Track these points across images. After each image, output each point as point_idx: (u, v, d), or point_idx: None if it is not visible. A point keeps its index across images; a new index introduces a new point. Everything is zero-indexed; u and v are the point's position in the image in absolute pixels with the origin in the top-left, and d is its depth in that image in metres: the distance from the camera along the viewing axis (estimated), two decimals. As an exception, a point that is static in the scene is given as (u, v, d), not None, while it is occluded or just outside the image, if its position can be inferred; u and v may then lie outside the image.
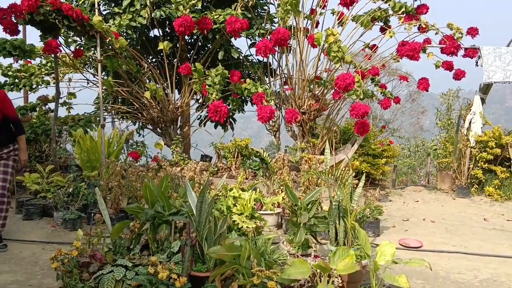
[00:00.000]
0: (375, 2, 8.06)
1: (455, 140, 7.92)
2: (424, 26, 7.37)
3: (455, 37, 7.22)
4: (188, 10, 6.67)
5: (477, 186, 7.74)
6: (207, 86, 6.71)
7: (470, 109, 7.82)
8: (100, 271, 3.16)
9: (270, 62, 8.81)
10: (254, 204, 4.84)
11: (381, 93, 9.00)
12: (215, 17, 7.28)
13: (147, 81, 7.97)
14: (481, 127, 7.77)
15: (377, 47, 8.41)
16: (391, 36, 7.15)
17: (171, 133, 8.42)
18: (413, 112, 31.27)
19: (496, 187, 7.49)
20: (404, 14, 7.90)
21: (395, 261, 3.25)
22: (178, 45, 8.03)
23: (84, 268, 3.27)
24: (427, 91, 7.46)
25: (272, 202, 5.15)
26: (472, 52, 7.46)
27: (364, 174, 4.70)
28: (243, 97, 8.17)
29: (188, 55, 9.09)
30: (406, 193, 8.17)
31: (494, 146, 7.51)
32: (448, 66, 7.37)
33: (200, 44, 8.67)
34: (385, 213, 5.78)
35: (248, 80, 7.02)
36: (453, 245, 4.96)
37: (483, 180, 7.73)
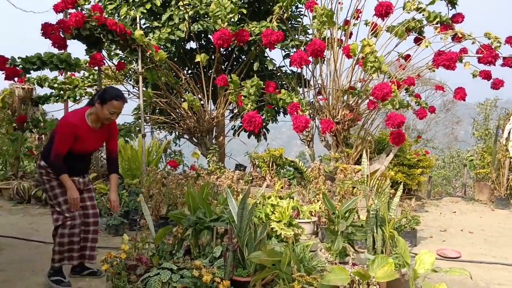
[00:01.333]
0: (409, 13, 8.06)
1: (494, 151, 7.79)
2: (460, 35, 7.33)
3: (493, 46, 7.14)
4: (226, 23, 6.86)
5: (516, 197, 7.60)
6: (242, 97, 6.87)
7: (509, 119, 7.69)
8: (146, 274, 3.32)
9: (303, 73, 8.92)
10: (292, 212, 4.94)
11: (415, 103, 8.96)
12: (251, 29, 7.46)
13: (184, 92, 8.20)
14: (521, 137, 7.63)
15: (411, 57, 8.40)
16: (426, 46, 7.14)
17: (206, 143, 8.61)
18: (447, 122, 30.64)
19: (538, 198, 7.34)
20: (439, 24, 7.87)
21: (435, 270, 3.27)
22: (214, 57, 8.25)
23: (131, 271, 3.43)
24: (464, 100, 7.38)
25: (309, 210, 5.22)
26: (511, 61, 7.35)
27: (401, 184, 4.72)
28: (276, 108, 8.29)
29: (223, 67, 9.32)
30: (442, 204, 8.07)
31: (535, 156, 7.37)
32: (486, 75, 7.28)
33: (235, 55, 8.88)
34: (421, 223, 5.75)
35: (283, 91, 7.14)
36: (492, 256, 4.90)
37: (524, 191, 7.59)
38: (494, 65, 6.96)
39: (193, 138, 8.85)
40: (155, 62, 7.20)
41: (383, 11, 6.43)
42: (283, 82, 9.33)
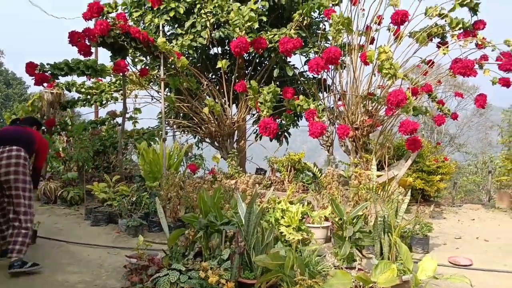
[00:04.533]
0: (431, 19, 8.04)
1: (515, 158, 7.72)
2: (480, 42, 7.28)
3: (513, 54, 7.07)
4: (244, 32, 7.04)
5: (537, 206, 7.49)
6: (259, 104, 7.03)
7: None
8: (157, 274, 3.51)
9: (324, 78, 9.01)
10: (303, 217, 5.05)
11: (438, 109, 8.90)
12: (270, 36, 7.62)
13: (206, 97, 8.42)
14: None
15: (433, 62, 8.37)
16: (444, 53, 7.13)
17: (227, 147, 8.80)
18: (480, 127, 29.97)
19: (559, 207, 7.21)
20: (461, 30, 7.83)
21: (436, 276, 3.34)
22: (236, 63, 8.44)
23: (143, 271, 3.63)
24: (483, 108, 7.33)
25: (319, 215, 5.32)
26: (531, 69, 7.25)
27: (410, 190, 4.78)
28: (297, 113, 8.40)
29: (246, 71, 9.51)
30: (462, 211, 8.01)
31: (556, 165, 7.25)
32: (505, 82, 7.20)
33: (257, 61, 9.04)
34: (437, 230, 5.77)
35: (301, 97, 7.25)
36: (504, 265, 4.89)
37: (544, 200, 7.47)
38: (513, 72, 6.90)
39: (215, 142, 9.05)
40: (177, 68, 7.44)
41: (399, 19, 6.49)
42: (304, 88, 9.44)
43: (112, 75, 8.51)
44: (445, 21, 8.01)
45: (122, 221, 5.76)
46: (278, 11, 8.92)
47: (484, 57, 7.51)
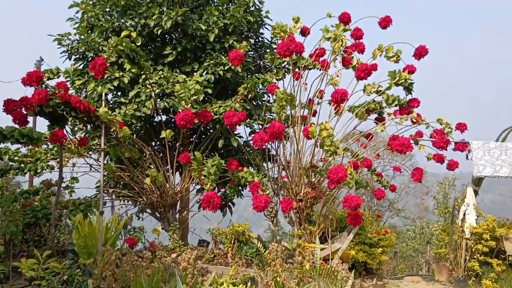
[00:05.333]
0: (369, 95, 8.47)
1: (451, 231, 7.96)
2: (414, 120, 7.71)
3: (445, 132, 7.52)
4: (189, 105, 7.07)
5: (474, 279, 7.65)
6: (202, 176, 6.94)
7: (463, 201, 7.93)
8: None
9: (269, 148, 9.10)
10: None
11: (376, 181, 9.18)
12: (215, 109, 7.69)
13: (148, 166, 8.22)
14: (476, 219, 7.83)
15: (372, 136, 8.72)
16: (382, 130, 7.47)
17: (169, 218, 8.52)
18: (417, 193, 31.04)
19: (493, 280, 7.40)
20: (397, 107, 8.27)
21: None
22: (181, 132, 8.38)
23: None
24: (420, 182, 7.63)
25: (263, 297, 5.15)
26: (462, 146, 7.72)
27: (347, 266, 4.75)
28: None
29: (191, 140, 9.47)
30: (403, 284, 8.06)
31: (489, 238, 7.53)
32: (439, 159, 7.60)
33: (202, 130, 9.04)
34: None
35: (245, 169, 7.25)
36: None
37: (480, 273, 7.66)
38: (446, 150, 7.30)
39: (156, 212, 8.75)
40: (118, 138, 7.27)
41: (339, 98, 6.77)
42: (249, 158, 9.48)
43: (49, 142, 8.16)
44: (382, 97, 8.47)
45: (50, 304, 5.29)
46: (223, 84, 9.09)
47: (419, 134, 7.92)
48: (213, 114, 7.57)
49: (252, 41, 9.92)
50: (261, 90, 9.62)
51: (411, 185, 30.60)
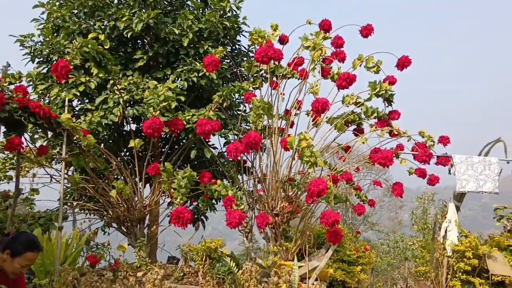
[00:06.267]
0: (347, 106, 8.20)
1: (432, 249, 7.68)
2: (396, 132, 7.44)
3: (427, 145, 7.27)
4: (158, 112, 6.60)
5: (457, 298, 7.38)
6: (172, 189, 6.47)
7: (445, 217, 7.67)
8: None
9: (244, 160, 8.70)
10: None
11: (355, 195, 8.87)
12: (188, 117, 7.25)
13: (115, 178, 7.69)
14: (458, 236, 7.57)
15: (351, 149, 8.43)
16: (363, 142, 7.18)
17: (136, 233, 7.99)
18: (391, 207, 31.25)
19: (476, 300, 7.14)
20: (376, 120, 8.01)
21: None
22: (150, 141, 7.90)
23: None
24: (402, 197, 7.35)
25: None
26: (444, 160, 7.48)
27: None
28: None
29: (162, 150, 8.99)
30: (383, 304, 7.72)
31: (471, 256, 7.26)
32: (421, 173, 7.34)
33: (174, 139, 8.58)
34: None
35: (219, 182, 6.82)
36: None
37: (463, 292, 7.39)
38: (429, 164, 7.04)
39: (122, 227, 8.21)
40: (82, 147, 6.75)
41: (320, 107, 6.41)
42: (223, 170, 9.05)
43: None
44: (361, 109, 8.20)
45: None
46: (198, 91, 8.67)
47: (400, 147, 7.66)
48: (185, 123, 7.12)
49: (228, 48, 9.55)
50: (237, 100, 9.25)
51: (385, 198, 30.87)
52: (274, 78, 8.16)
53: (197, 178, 6.88)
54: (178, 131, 6.95)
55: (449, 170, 7.60)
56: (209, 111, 7.35)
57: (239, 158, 6.83)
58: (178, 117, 7.01)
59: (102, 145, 8.10)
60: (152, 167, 6.80)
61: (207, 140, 6.95)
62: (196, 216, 9.63)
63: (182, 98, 7.54)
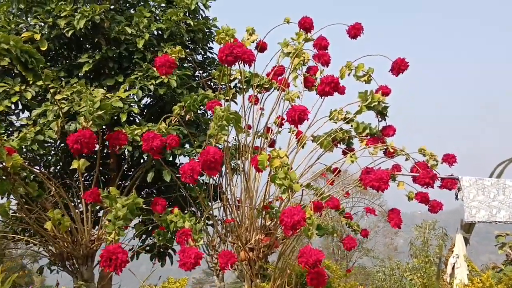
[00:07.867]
0: (336, 123, 7.04)
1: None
2: (391, 150, 6.23)
3: (429, 165, 6.06)
4: (91, 122, 5.32)
5: None
6: (106, 222, 5.17)
7: (452, 251, 6.41)
8: None
9: (219, 184, 7.45)
10: None
11: (346, 224, 7.66)
12: (136, 131, 5.98)
13: (53, 207, 6.38)
14: (467, 273, 6.29)
15: (340, 171, 7.27)
16: (352, 162, 5.94)
17: (83, 273, 6.65)
18: (386, 233, 30.69)
19: None
20: (369, 136, 6.84)
21: None
22: (97, 161, 6.62)
23: None
24: (400, 228, 6.07)
25: None
26: (450, 183, 6.24)
27: None
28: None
29: (125, 171, 7.77)
30: None
31: (487, 300, 6.00)
32: (423, 198, 6.10)
33: (135, 159, 7.34)
34: None
35: (175, 211, 5.52)
36: None
37: None
38: (433, 187, 5.78)
39: (67, 265, 6.86)
40: (6, 169, 5.45)
41: (296, 116, 5.11)
42: (191, 195, 7.77)
43: None
44: (351, 125, 7.08)
45: None
46: (161, 103, 7.45)
47: (397, 167, 6.45)
48: (130, 138, 5.86)
49: (199, 57, 8.40)
50: (208, 113, 8.05)
51: (380, 224, 30.11)
52: (250, 90, 7.02)
53: (148, 205, 5.61)
54: (120, 147, 5.64)
55: (456, 195, 6.36)
56: (162, 124, 6.08)
57: (196, 180, 5.52)
58: (121, 130, 5.72)
59: (42, 166, 6.80)
60: (89, 193, 5.44)
61: (155, 158, 5.62)
62: (162, 250, 8.32)
63: (135, 110, 6.30)
